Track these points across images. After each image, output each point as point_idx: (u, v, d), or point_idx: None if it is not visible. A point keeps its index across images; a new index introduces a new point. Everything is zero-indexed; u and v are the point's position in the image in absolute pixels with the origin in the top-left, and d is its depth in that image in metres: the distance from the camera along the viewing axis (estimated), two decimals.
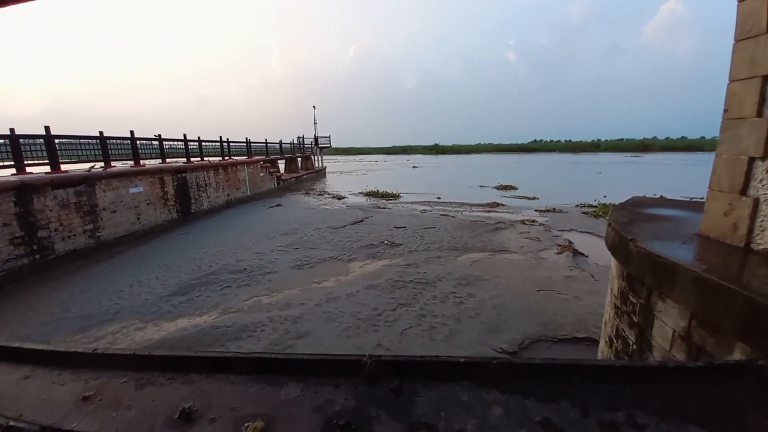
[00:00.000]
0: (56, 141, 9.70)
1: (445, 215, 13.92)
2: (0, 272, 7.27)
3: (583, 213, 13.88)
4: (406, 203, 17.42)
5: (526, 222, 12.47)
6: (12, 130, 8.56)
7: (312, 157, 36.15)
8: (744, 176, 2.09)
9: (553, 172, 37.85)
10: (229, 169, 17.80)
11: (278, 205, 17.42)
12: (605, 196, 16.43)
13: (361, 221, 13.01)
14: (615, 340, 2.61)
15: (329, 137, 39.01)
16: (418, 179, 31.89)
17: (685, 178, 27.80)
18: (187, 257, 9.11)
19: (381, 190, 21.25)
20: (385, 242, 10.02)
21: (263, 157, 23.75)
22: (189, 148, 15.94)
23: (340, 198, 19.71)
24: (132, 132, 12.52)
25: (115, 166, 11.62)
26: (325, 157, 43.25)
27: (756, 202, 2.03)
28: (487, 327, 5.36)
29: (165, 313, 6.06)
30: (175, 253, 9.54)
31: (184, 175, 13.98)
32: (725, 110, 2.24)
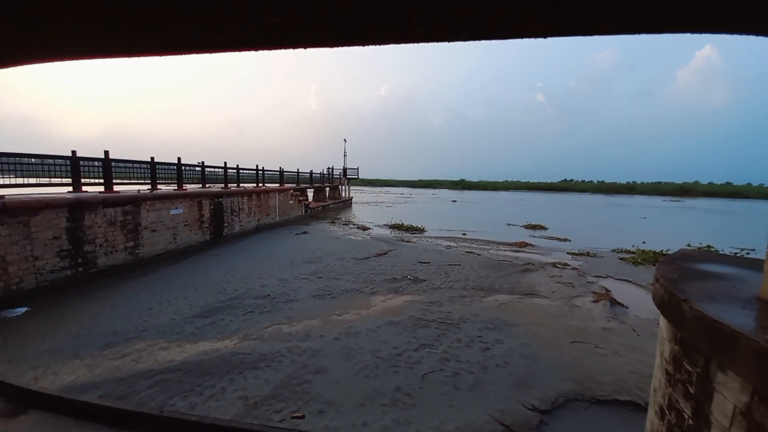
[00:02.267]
0: (112, 164, 10.65)
1: (471, 252, 13.59)
2: (42, 282, 7.76)
3: (620, 259, 13.09)
4: (431, 238, 17.25)
5: (558, 265, 11.89)
6: (74, 152, 9.52)
7: (340, 187, 37.20)
8: None
9: (585, 214, 36.47)
10: (262, 196, 18.62)
11: (304, 232, 17.81)
12: (644, 242, 15.47)
13: (385, 254, 12.95)
14: (668, 412, 2.32)
15: (357, 169, 40.23)
16: (443, 213, 31.75)
17: (731, 227, 25.79)
18: (214, 279, 9.37)
19: (406, 223, 21.27)
20: (409, 277, 9.85)
21: (294, 185, 24.74)
22: (228, 174, 16.95)
23: (364, 229, 19.88)
24: (179, 159, 13.56)
25: (160, 189, 12.50)
26: (352, 188, 44.34)
27: None
28: (516, 379, 4.98)
29: (188, 335, 6.15)
30: (204, 275, 9.85)
31: (220, 199, 14.76)
32: None
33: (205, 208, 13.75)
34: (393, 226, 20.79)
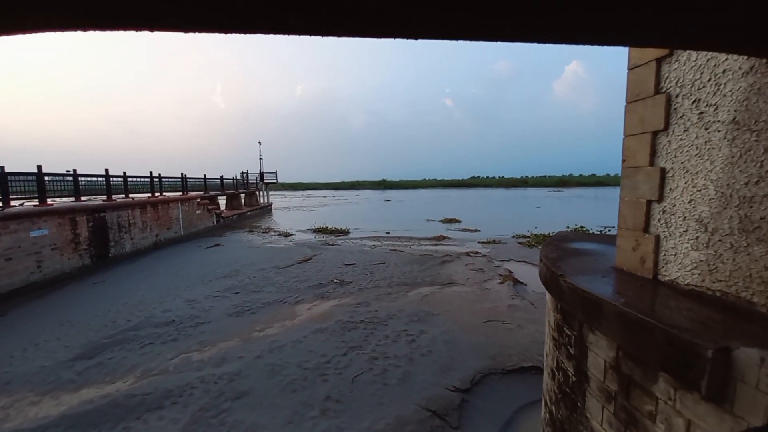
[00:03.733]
0: None
1: (395, 250, 14.05)
2: None
3: (519, 243, 15.03)
4: (356, 239, 17.31)
5: (471, 254, 13.08)
6: None
7: (257, 193, 34.77)
8: (644, 216, 2.42)
9: (491, 206, 40.99)
10: (160, 207, 16.25)
11: (217, 245, 16.14)
12: (536, 228, 18.08)
13: (310, 259, 12.53)
14: (556, 372, 2.71)
15: (275, 173, 38.15)
16: (367, 214, 32.22)
17: (598, 210, 31.95)
18: (99, 311, 7.80)
19: (330, 227, 20.96)
20: (335, 281, 9.70)
21: (201, 193, 22.22)
22: (111, 183, 14.33)
23: (287, 235, 18.95)
24: (39, 167, 10.94)
25: (14, 206, 9.90)
26: (271, 193, 41.91)
27: (657, 239, 2.34)
28: (440, 365, 5.29)
29: (66, 382, 4.99)
30: (85, 306, 8.13)
31: (102, 214, 12.38)
32: (623, 160, 2.63)
33: (82, 226, 11.37)
34: (317, 230, 20.28)
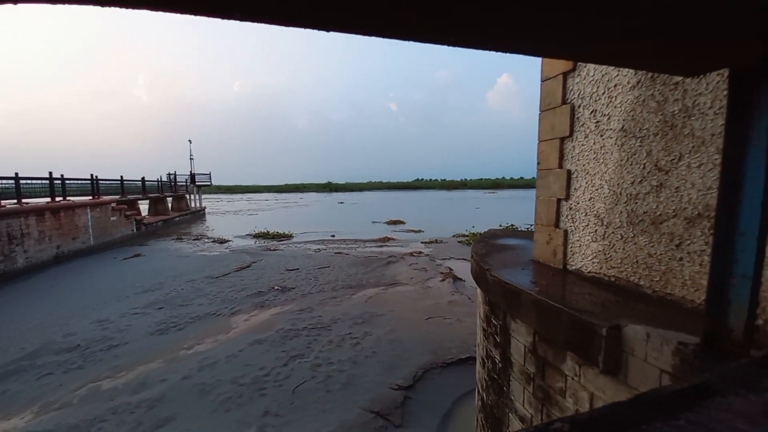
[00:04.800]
0: None
1: (340, 253, 13.88)
2: None
3: (459, 242, 15.90)
4: (300, 243, 16.75)
5: (414, 254, 13.47)
6: None
7: (188, 196, 31.77)
8: (555, 213, 2.69)
9: (434, 207, 42.79)
10: (62, 214, 13.96)
11: (137, 255, 14.36)
12: (474, 227, 19.30)
13: (248, 266, 11.78)
14: (486, 361, 2.88)
15: (209, 174, 35.30)
16: (312, 217, 31.40)
17: (527, 210, 35.23)
18: None
19: (272, 231, 19.97)
20: (276, 288, 9.24)
21: (118, 197, 19.62)
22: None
23: (222, 242, 17.60)
24: None
25: None
26: (205, 197, 38.67)
27: (566, 233, 2.62)
28: (384, 365, 5.32)
29: None
30: None
31: None
32: (538, 163, 2.90)
33: None
34: (258, 236, 19.18)
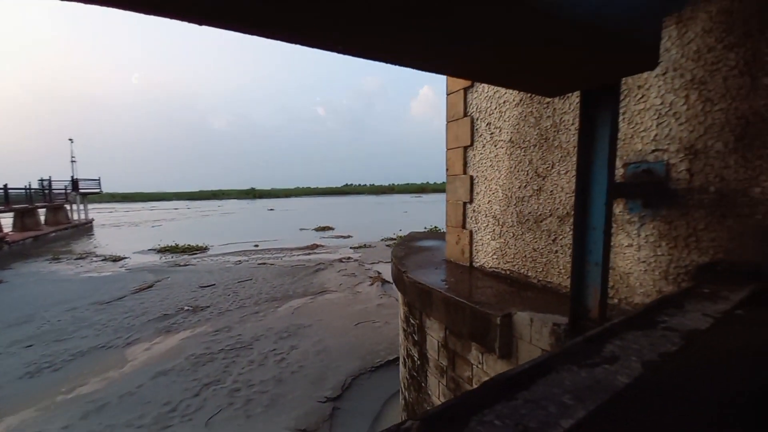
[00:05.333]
0: None
1: (264, 264, 13.04)
2: None
3: (387, 246, 16.31)
4: (217, 256, 15.25)
5: (344, 260, 13.37)
6: None
7: (68, 207, 26.42)
8: (462, 215, 2.93)
9: (362, 212, 43.24)
10: None
11: None
12: (401, 230, 20.03)
13: (150, 286, 10.26)
14: (407, 360, 2.99)
15: (99, 180, 29.91)
16: (234, 226, 28.91)
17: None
18: None
19: (182, 244, 17.80)
20: (186, 308, 8.22)
21: None
22: None
23: (117, 260, 15.04)
24: None
25: None
26: (94, 206, 32.62)
27: (471, 233, 2.86)
28: (312, 378, 5.13)
29: None
30: None
31: None
32: (447, 169, 3.14)
33: None
34: (163, 250, 16.87)
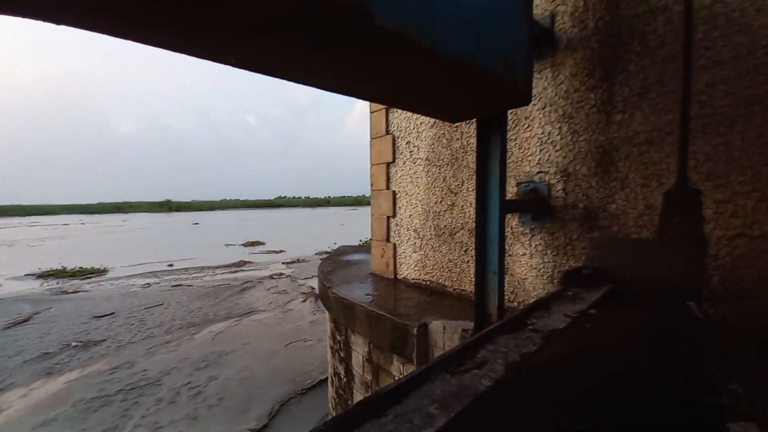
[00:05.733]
0: None
1: (179, 285, 11.65)
2: None
3: (321, 260, 15.95)
4: (118, 279, 13.17)
5: (274, 276, 12.67)
6: None
7: None
8: (386, 229, 3.02)
9: (297, 225, 41.74)
10: None
11: None
12: (336, 243, 19.80)
13: (27, 320, 8.39)
14: (334, 378, 2.92)
15: None
16: (144, 244, 25.33)
17: None
18: None
19: (71, 267, 15.02)
20: (74, 344, 6.90)
21: None
22: None
23: None
24: None
25: None
26: None
27: (395, 246, 2.96)
28: (234, 410, 4.68)
29: None
30: None
31: None
32: (372, 184, 3.22)
33: None
34: (46, 275, 14.01)
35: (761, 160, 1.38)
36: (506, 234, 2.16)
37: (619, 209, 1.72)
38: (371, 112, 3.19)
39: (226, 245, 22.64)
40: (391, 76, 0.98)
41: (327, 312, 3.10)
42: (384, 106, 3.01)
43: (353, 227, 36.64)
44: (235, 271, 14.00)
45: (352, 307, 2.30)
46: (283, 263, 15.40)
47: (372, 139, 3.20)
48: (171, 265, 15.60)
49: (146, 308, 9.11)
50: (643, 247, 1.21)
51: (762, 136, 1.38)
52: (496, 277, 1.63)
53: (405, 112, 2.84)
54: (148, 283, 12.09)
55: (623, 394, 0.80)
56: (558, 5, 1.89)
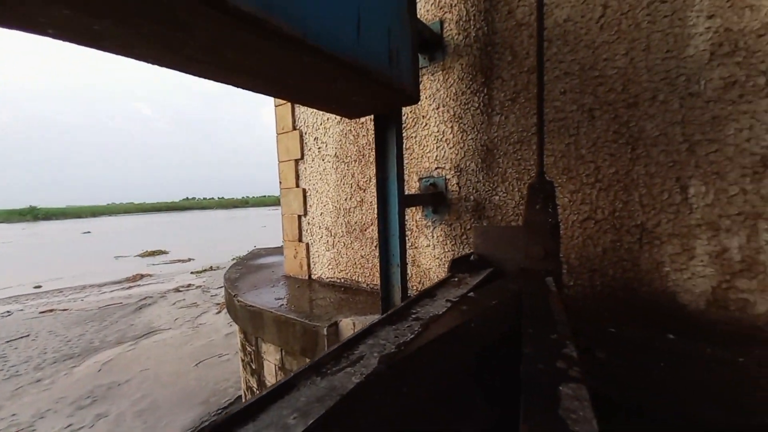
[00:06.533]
0: None
1: (51, 310, 9.52)
2: None
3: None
4: None
5: (181, 288, 11.25)
6: None
7: None
8: (298, 229, 2.90)
9: (209, 230, 37.76)
10: None
11: None
12: (255, 246, 18.51)
13: None
14: (247, 393, 2.71)
15: None
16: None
17: None
18: None
19: None
20: None
21: None
22: None
23: None
24: None
25: None
26: None
27: (308, 246, 2.87)
28: None
29: None
30: None
31: None
32: (280, 182, 3.06)
33: None
34: None
35: (601, 156, 1.70)
36: (412, 227, 2.27)
37: (501, 201, 1.94)
38: (276, 106, 3.01)
39: (116, 257, 19.27)
40: (262, 66, 0.91)
41: (235, 323, 2.85)
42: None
43: (277, 228, 34.78)
44: (129, 287, 12.02)
45: (260, 314, 2.16)
46: (191, 273, 13.79)
47: (278, 134, 3.03)
48: (39, 287, 12.63)
49: (7, 341, 7.22)
50: (514, 233, 1.38)
51: (600, 137, 1.69)
52: (399, 270, 1.69)
53: None
54: (9, 311, 9.59)
55: (477, 371, 0.89)
56: (446, 13, 2.03)
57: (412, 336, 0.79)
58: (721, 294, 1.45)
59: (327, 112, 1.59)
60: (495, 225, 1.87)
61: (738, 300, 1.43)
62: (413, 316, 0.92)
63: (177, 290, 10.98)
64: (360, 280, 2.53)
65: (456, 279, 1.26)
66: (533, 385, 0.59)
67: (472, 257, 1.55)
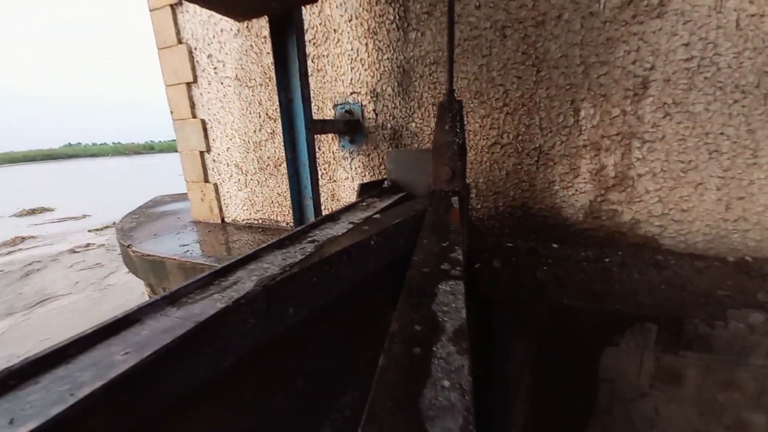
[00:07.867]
0: None
1: None
2: None
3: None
4: None
5: (78, 249, 9.70)
6: None
7: None
8: (202, 168, 2.54)
9: (104, 181, 32.20)
10: None
11: None
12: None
13: None
14: None
15: None
16: None
17: None
18: None
19: None
20: None
21: None
22: None
23: None
24: None
25: None
26: None
27: (216, 186, 2.56)
28: None
29: None
30: None
31: None
32: (172, 112, 2.56)
33: None
34: None
35: (509, 79, 1.70)
36: (329, 159, 2.13)
37: (418, 128, 1.89)
38: (150, 11, 2.38)
39: None
40: None
41: (137, 277, 2.54)
42: (168, 3, 2.27)
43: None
44: (9, 253, 9.97)
45: (162, 263, 1.92)
46: (89, 231, 11.87)
47: (160, 50, 2.45)
48: None
49: None
50: (425, 157, 1.35)
51: (510, 58, 1.67)
52: (312, 203, 1.59)
53: (199, 14, 2.23)
54: None
55: (372, 287, 0.88)
56: None
57: (302, 257, 0.73)
58: (596, 206, 1.67)
59: (210, 9, 1.26)
60: (407, 149, 1.84)
61: (609, 210, 1.66)
62: (309, 239, 0.85)
63: (73, 251, 9.44)
64: (279, 219, 2.38)
65: (364, 203, 1.21)
66: (414, 287, 0.58)
67: (385, 183, 1.51)
